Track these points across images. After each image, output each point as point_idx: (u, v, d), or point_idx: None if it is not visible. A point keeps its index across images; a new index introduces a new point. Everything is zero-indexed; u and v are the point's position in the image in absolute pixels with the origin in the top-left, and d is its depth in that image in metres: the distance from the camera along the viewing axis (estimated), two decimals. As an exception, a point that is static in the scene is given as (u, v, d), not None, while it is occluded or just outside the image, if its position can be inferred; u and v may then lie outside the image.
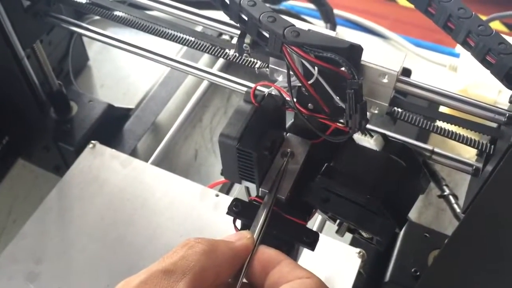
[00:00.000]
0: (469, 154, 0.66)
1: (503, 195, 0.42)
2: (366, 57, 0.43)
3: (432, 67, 1.06)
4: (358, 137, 0.47)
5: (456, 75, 1.00)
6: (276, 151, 0.50)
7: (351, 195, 0.45)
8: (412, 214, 0.84)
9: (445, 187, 0.77)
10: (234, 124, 0.47)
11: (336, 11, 1.14)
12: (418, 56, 1.08)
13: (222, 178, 0.56)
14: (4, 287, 0.66)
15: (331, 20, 1.08)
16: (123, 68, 1.08)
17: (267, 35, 0.42)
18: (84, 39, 1.02)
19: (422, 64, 1.07)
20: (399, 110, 0.50)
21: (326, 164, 0.48)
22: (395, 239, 0.70)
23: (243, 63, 0.57)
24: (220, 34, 0.91)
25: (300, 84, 0.44)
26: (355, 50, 0.42)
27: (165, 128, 0.96)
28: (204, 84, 1.01)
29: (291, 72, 0.43)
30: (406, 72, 0.93)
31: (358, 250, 0.65)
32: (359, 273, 0.64)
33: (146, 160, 0.82)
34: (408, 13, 1.30)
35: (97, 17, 1.06)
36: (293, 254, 0.47)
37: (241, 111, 0.48)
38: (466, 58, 0.96)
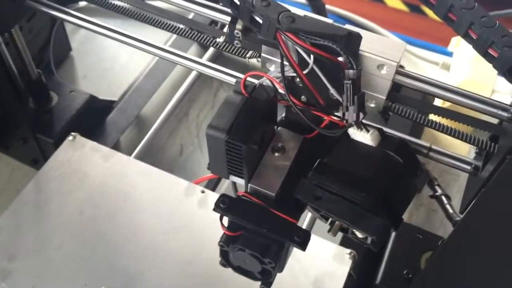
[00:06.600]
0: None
1: (505, 195, 0.40)
2: (364, 47, 0.41)
3: (424, 65, 1.05)
4: (354, 132, 0.45)
5: (448, 73, 0.98)
6: (267, 145, 0.48)
7: (344, 192, 0.43)
8: (403, 215, 0.82)
9: (437, 187, 0.75)
10: (223, 115, 0.45)
11: (328, 7, 1.13)
12: (411, 53, 1.07)
13: (209, 174, 0.54)
14: (-25, 285, 0.62)
15: (323, 15, 1.06)
16: (107, 59, 1.05)
17: (261, 21, 0.40)
18: (67, 28, 0.99)
19: (414, 62, 1.06)
20: (395, 104, 0.47)
21: (319, 160, 0.46)
22: (387, 240, 0.68)
23: (233, 52, 0.54)
24: (212, 22, 0.88)
25: (293, 75, 0.42)
26: (354, 38, 0.39)
27: (149, 121, 0.93)
28: (191, 77, 0.98)
29: (285, 62, 0.41)
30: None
31: (349, 251, 0.63)
32: (349, 274, 0.62)
33: (129, 155, 0.79)
34: (397, 15, 1.29)
35: (81, 5, 1.03)
36: (282, 254, 0.45)
37: (230, 102, 0.46)
38: (459, 57, 0.95)
